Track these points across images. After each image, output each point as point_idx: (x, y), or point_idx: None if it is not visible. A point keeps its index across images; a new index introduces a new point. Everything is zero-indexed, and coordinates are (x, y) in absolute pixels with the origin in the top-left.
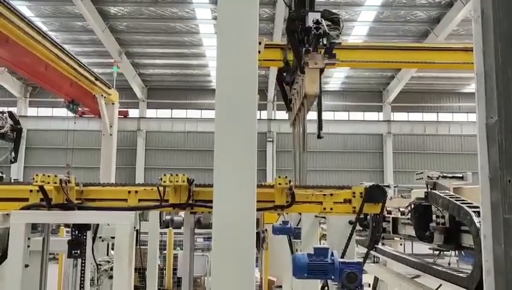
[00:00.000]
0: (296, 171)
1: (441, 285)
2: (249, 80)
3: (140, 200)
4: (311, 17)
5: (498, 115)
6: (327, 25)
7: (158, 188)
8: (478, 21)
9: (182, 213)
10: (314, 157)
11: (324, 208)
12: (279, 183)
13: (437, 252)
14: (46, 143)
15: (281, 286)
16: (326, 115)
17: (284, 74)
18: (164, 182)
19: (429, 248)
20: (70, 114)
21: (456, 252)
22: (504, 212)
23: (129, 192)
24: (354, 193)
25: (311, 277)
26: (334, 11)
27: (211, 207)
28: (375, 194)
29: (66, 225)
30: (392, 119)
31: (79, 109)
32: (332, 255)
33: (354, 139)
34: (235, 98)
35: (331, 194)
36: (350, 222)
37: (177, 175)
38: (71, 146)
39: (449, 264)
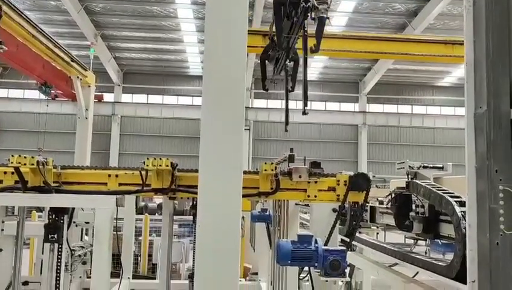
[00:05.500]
0: None
1: (417, 273)
2: (237, 64)
3: (120, 184)
4: None
5: (487, 105)
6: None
7: (140, 172)
8: (470, 11)
9: (156, 199)
10: (290, 145)
11: (308, 196)
12: (265, 170)
13: (412, 241)
14: (17, 126)
15: (256, 273)
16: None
17: (269, 52)
18: (147, 166)
19: (407, 237)
20: (43, 96)
21: (428, 241)
22: (490, 201)
23: (109, 176)
24: (338, 181)
25: (295, 264)
26: None
27: (194, 192)
28: (360, 182)
29: (39, 209)
30: (367, 110)
31: (52, 91)
32: (316, 242)
33: (330, 129)
34: (222, 83)
35: (316, 182)
36: (334, 210)
37: (160, 159)
38: (43, 129)
39: (426, 253)
